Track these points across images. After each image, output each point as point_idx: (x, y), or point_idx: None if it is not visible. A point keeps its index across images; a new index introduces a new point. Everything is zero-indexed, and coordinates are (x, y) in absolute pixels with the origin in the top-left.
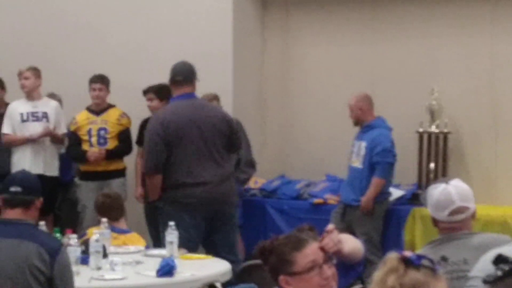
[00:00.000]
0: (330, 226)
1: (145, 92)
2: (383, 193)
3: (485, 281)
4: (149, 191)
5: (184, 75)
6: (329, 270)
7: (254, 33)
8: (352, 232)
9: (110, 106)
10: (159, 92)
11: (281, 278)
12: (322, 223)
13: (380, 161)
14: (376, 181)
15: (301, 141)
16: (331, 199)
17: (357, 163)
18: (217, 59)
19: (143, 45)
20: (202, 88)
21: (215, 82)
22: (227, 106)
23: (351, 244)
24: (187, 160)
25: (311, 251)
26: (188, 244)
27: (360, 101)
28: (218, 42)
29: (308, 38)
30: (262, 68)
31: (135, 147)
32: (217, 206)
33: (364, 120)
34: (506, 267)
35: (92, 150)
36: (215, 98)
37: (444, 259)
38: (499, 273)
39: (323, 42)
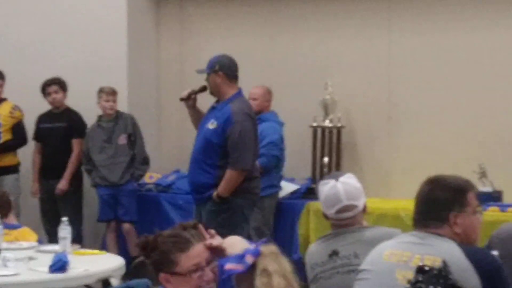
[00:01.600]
0: (212, 231)
1: (49, 84)
2: (271, 187)
3: None
4: (227, 187)
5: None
6: (211, 273)
7: (149, 28)
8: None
9: (1, 99)
10: (64, 84)
11: (162, 275)
12: None
13: (265, 154)
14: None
15: None
16: None
17: None
18: (111, 55)
19: (37, 40)
20: (96, 85)
21: (110, 78)
22: (122, 102)
23: (239, 246)
24: (256, 153)
25: (195, 254)
26: (262, 234)
27: (257, 90)
28: (112, 38)
29: (204, 32)
30: (158, 64)
31: (31, 143)
32: None
33: (259, 112)
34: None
35: None
36: (115, 92)
37: (335, 253)
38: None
39: (219, 36)
